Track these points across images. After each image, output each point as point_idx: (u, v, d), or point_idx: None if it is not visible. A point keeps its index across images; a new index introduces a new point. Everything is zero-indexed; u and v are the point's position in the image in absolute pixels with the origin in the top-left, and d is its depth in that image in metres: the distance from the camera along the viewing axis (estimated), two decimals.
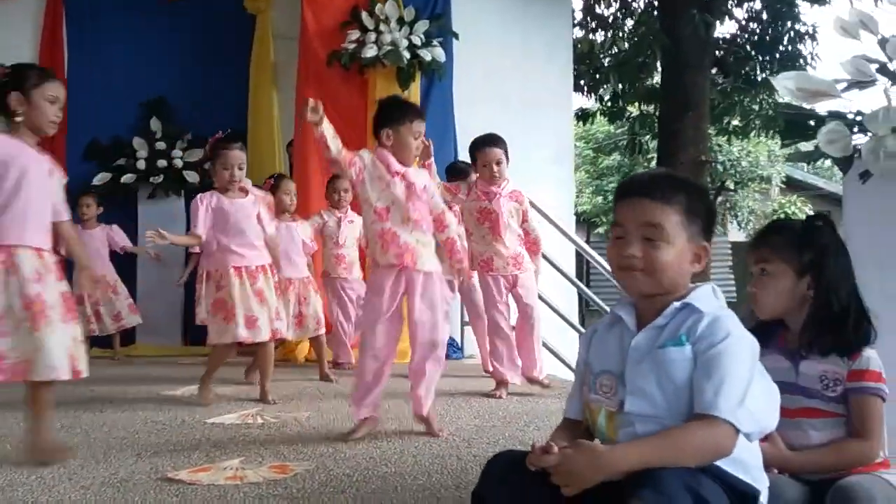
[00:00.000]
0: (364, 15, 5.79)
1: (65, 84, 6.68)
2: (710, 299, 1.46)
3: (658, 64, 9.37)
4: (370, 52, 5.64)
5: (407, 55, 5.69)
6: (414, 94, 5.84)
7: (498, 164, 3.98)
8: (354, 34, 5.75)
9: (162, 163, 6.57)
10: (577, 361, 1.62)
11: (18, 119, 2.56)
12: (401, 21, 5.82)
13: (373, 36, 5.70)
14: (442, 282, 3.00)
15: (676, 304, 1.44)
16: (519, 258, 3.98)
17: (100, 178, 6.59)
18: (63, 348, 2.44)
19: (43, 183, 2.62)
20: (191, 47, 7.03)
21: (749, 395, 1.35)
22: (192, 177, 6.60)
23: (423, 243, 2.92)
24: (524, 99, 6.35)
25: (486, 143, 4.03)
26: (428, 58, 5.77)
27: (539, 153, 6.30)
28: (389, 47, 5.66)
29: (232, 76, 7.02)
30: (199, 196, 3.78)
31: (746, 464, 1.38)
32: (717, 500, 1.27)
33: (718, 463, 1.33)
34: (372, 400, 2.88)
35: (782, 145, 13.42)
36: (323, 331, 4.62)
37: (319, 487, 2.18)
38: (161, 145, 6.64)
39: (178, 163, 6.59)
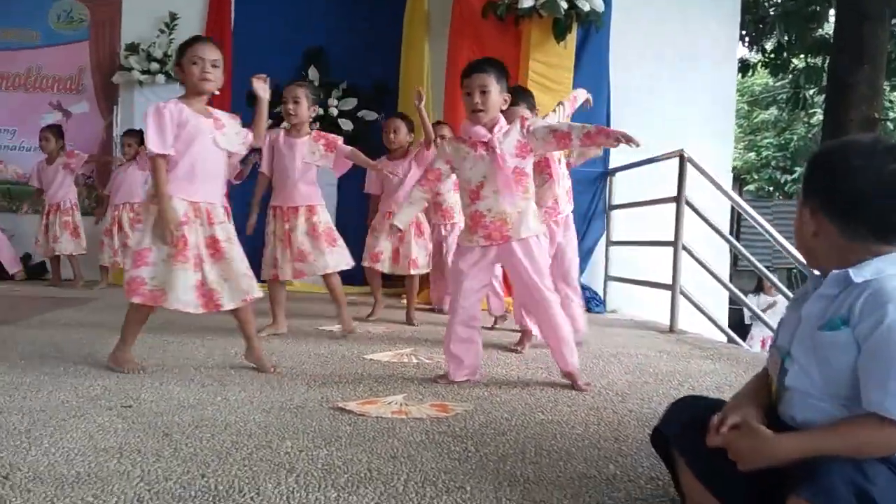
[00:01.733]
0: None
1: (230, 35, 7.12)
2: (878, 268, 1.31)
3: (830, 13, 8.69)
4: (527, 2, 5.55)
5: (564, 5, 5.55)
6: (569, 46, 5.73)
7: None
8: None
9: (318, 111, 6.80)
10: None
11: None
12: None
13: None
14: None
15: (837, 272, 1.35)
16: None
17: None
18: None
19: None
20: None
21: None
22: (346, 125, 6.82)
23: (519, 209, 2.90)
24: (685, 50, 6.10)
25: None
26: (586, 8, 5.61)
27: (698, 107, 6.07)
28: None
29: (386, 27, 7.14)
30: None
31: None
32: (887, 498, 1.19)
33: None
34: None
35: None
36: (414, 272, 4.72)
37: (480, 428, 2.26)
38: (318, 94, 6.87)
39: (334, 111, 6.82)
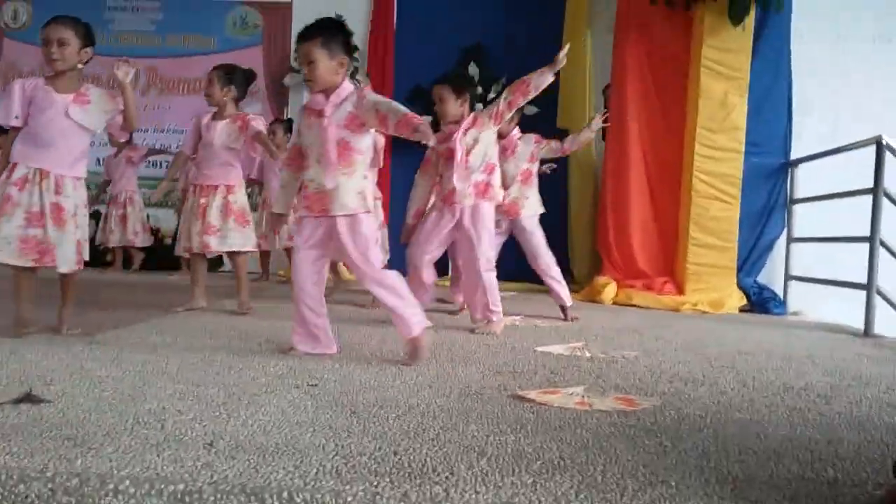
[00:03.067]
0: None
1: (393, 34, 7.26)
2: None
3: None
4: None
5: None
6: (747, 28, 5.39)
7: (441, 101, 3.83)
8: None
9: (479, 106, 6.79)
10: None
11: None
12: None
13: None
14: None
15: None
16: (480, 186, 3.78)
17: None
18: None
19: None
20: None
21: None
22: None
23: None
24: (879, 28, 5.56)
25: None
26: None
27: (892, 94, 5.53)
28: None
29: (546, 21, 7.05)
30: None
31: None
32: None
33: None
34: None
35: None
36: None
37: (673, 424, 2.11)
38: (478, 89, 6.86)
39: None
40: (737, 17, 5.27)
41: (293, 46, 7.36)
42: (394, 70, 7.28)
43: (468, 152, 3.76)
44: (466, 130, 3.77)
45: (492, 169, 3.82)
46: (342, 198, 2.78)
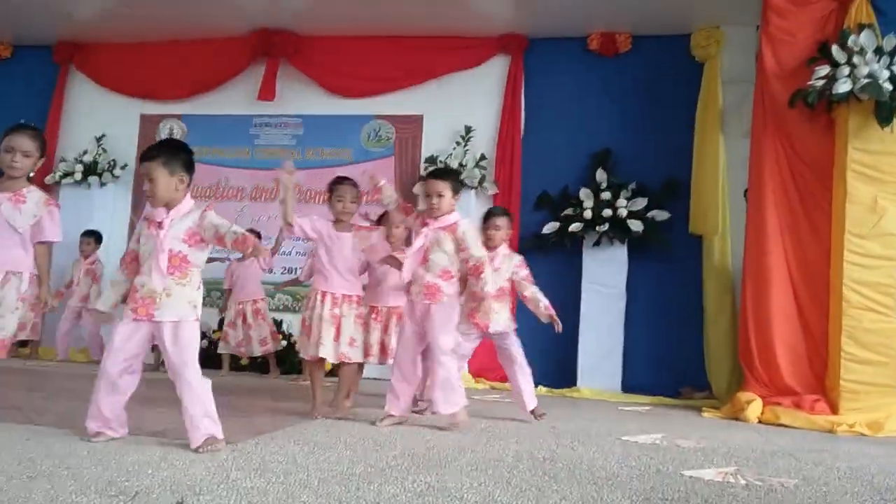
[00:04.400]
0: (835, 49, 5.27)
1: (520, 142, 7.39)
2: None
3: None
4: (843, 86, 5.10)
5: (888, 86, 5.02)
6: (895, 129, 5.12)
7: (439, 196, 3.97)
8: (823, 69, 5.26)
9: (607, 212, 6.76)
10: None
11: None
12: (878, 51, 5.18)
13: (846, 69, 5.15)
14: None
15: None
16: (432, 288, 3.96)
17: (549, 228, 7.02)
18: None
19: None
20: (636, 98, 7.24)
21: None
22: (635, 225, 6.67)
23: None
24: None
25: (432, 174, 4.15)
26: None
27: None
28: (866, 80, 5.06)
29: (676, 124, 7.03)
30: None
31: None
32: None
33: None
34: None
35: None
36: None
37: None
38: (606, 195, 6.84)
39: (623, 212, 6.72)
40: (884, 119, 5.02)
41: (423, 156, 7.63)
42: (521, 177, 7.37)
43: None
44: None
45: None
46: (176, 306, 3.01)
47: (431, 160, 7.49)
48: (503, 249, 4.72)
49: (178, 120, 8.35)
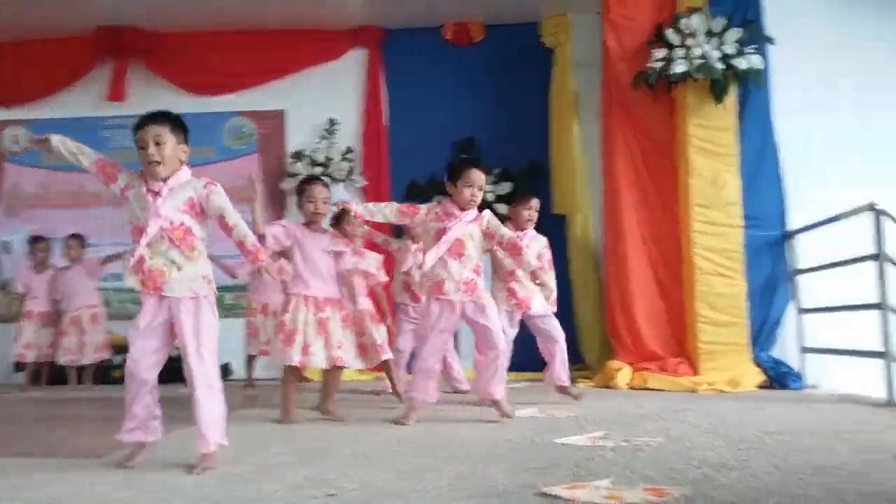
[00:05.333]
0: (670, 32, 5.63)
1: (386, 133, 7.43)
2: None
3: None
4: (679, 67, 5.46)
5: (720, 66, 5.41)
6: (729, 106, 5.53)
7: (480, 189, 3.87)
8: (661, 52, 5.61)
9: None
10: None
11: None
12: (709, 33, 5.57)
13: (681, 52, 5.51)
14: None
15: None
16: (471, 284, 3.84)
17: None
18: None
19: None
20: (494, 86, 7.40)
21: None
22: (502, 209, 6.83)
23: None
24: (860, 102, 5.69)
25: (477, 165, 3.95)
26: (743, 66, 5.44)
27: (881, 158, 5.62)
28: (700, 60, 5.44)
29: (533, 109, 7.24)
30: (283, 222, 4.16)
31: None
32: None
33: None
34: None
35: None
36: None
37: None
38: None
39: (490, 196, 6.86)
40: (717, 96, 5.42)
41: (288, 152, 7.52)
42: (389, 167, 7.41)
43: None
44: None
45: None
46: (186, 281, 2.80)
47: (297, 156, 7.42)
48: (531, 231, 4.72)
49: (22, 126, 7.81)
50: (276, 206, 7.64)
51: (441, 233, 3.81)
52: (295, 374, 4.19)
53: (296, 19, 7.35)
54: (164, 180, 2.83)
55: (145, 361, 2.80)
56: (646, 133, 5.89)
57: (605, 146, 6.08)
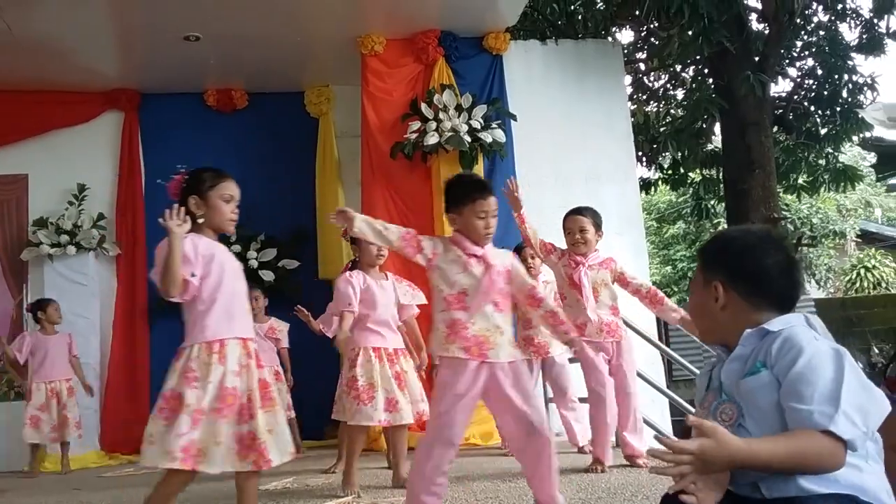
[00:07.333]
0: (423, 106, 5.98)
1: (142, 199, 7.10)
2: (786, 321, 1.51)
3: (715, 128, 9.33)
4: (432, 139, 5.79)
5: (468, 139, 5.82)
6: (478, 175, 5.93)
7: (581, 231, 3.97)
8: (415, 125, 5.94)
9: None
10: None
11: (200, 221, 2.67)
12: (459, 108, 5.99)
13: (433, 125, 5.87)
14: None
15: (751, 330, 1.52)
16: (611, 326, 3.94)
17: None
18: None
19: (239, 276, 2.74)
20: (259, 153, 7.33)
21: (843, 400, 1.35)
22: (267, 275, 6.77)
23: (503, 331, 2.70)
24: (588, 172, 6.40)
25: (571, 211, 4.11)
26: (489, 139, 5.89)
27: (608, 225, 6.25)
28: (450, 133, 5.82)
29: (299, 176, 7.29)
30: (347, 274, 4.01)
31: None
32: None
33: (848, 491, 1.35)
34: None
35: (878, 178, 13.14)
36: None
37: None
38: (236, 248, 6.83)
39: (254, 263, 6.78)
40: (466, 166, 5.81)
41: (30, 219, 6.92)
42: (145, 236, 7.05)
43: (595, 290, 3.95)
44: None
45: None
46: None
47: (41, 223, 6.83)
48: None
49: None
50: (17, 279, 6.96)
51: None
52: (363, 436, 3.89)
53: (45, 78, 6.85)
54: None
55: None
56: (405, 199, 6.13)
57: (367, 212, 6.24)
